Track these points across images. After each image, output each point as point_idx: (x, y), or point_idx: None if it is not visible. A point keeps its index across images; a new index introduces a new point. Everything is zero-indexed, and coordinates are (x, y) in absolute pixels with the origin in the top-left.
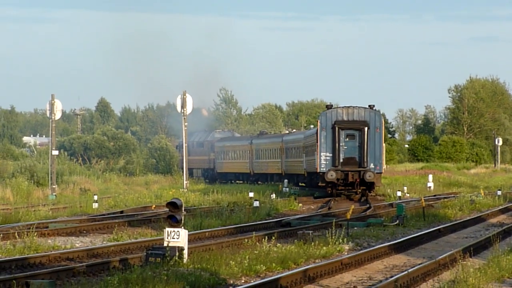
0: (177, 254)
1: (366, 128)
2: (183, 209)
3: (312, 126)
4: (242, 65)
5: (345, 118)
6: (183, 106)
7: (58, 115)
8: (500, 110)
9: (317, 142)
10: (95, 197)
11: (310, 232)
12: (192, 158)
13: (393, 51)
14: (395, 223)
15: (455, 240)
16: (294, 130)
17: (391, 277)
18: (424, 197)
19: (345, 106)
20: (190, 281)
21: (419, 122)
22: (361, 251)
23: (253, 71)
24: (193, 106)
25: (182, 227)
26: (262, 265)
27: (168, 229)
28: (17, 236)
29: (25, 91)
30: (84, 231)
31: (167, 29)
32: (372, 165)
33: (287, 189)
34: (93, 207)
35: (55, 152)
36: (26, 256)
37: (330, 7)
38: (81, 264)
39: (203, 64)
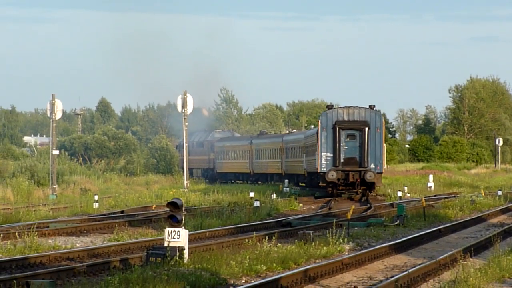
0: (177, 254)
1: (366, 128)
2: (183, 209)
3: (312, 126)
4: (242, 65)
5: (345, 118)
6: (183, 106)
7: (58, 115)
8: (501, 110)
9: (317, 142)
10: (96, 197)
11: (311, 232)
12: (192, 158)
13: (393, 51)
14: (396, 223)
15: (456, 240)
16: (294, 130)
17: (392, 277)
18: (424, 197)
19: (346, 106)
20: (190, 281)
21: (420, 122)
22: (362, 251)
23: (253, 71)
24: (193, 106)
25: (183, 227)
26: (262, 265)
27: (168, 229)
28: (17, 236)
29: (26, 91)
30: (85, 231)
31: (167, 29)
32: (372, 165)
33: (288, 189)
34: (94, 207)
35: (56, 152)
36: (27, 256)
37: (330, 7)
38: (81, 264)
39: (203, 64)
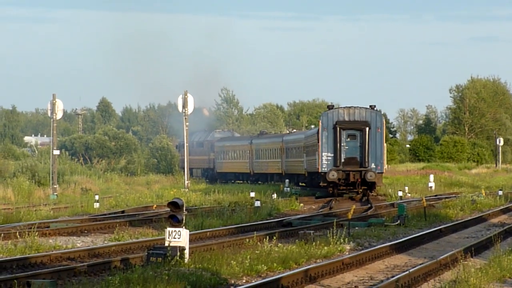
0: (178, 254)
1: (367, 128)
2: (184, 209)
3: (313, 126)
4: (242, 65)
5: (346, 118)
6: (184, 106)
7: (59, 115)
8: (501, 110)
9: (318, 142)
10: (96, 197)
11: (311, 232)
12: (192, 158)
13: (393, 51)
14: (396, 223)
15: (456, 240)
16: (295, 130)
17: (392, 277)
18: (425, 197)
19: (346, 107)
20: (191, 281)
21: (420, 122)
22: (362, 251)
23: (253, 71)
24: (194, 106)
25: (183, 227)
26: (263, 265)
27: (169, 229)
28: (18, 236)
29: (26, 91)
30: (85, 231)
31: (167, 29)
32: (373, 165)
33: (288, 189)
34: (94, 207)
35: (57, 152)
36: (27, 255)
37: (330, 7)
38: (82, 264)
39: (203, 64)
